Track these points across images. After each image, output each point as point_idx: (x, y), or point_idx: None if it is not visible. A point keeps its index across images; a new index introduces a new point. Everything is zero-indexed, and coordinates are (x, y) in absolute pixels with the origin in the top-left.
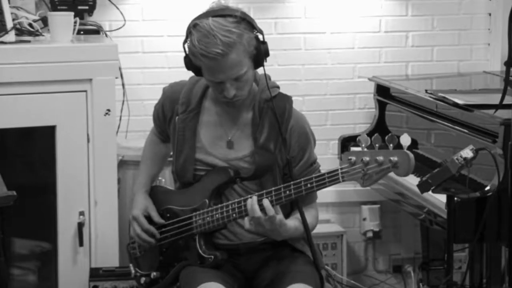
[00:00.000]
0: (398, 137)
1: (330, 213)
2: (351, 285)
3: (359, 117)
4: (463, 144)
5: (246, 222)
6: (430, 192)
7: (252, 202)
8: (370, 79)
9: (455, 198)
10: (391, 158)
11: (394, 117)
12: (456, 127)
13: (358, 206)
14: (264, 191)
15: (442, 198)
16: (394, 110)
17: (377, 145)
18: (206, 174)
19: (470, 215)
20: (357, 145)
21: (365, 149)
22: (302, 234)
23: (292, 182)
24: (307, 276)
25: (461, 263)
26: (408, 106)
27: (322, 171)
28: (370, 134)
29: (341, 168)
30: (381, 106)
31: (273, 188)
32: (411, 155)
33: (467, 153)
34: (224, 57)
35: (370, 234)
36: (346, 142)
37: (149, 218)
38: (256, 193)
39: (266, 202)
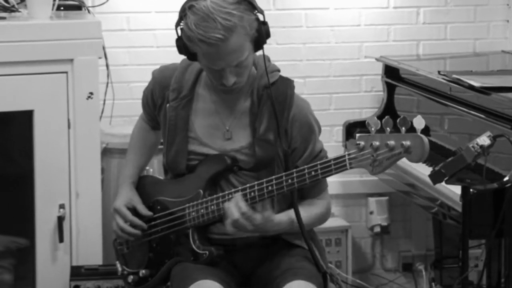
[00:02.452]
0: (411, 120)
1: (334, 206)
2: (357, 285)
3: (366, 100)
4: (479, 131)
5: (227, 225)
6: (443, 183)
7: (230, 204)
8: (377, 59)
9: (471, 190)
10: (403, 142)
11: (403, 101)
12: (471, 112)
13: (365, 198)
14: (264, 179)
15: (456, 189)
16: (404, 93)
17: (387, 128)
18: (201, 162)
19: (487, 208)
20: (364, 132)
21: (375, 133)
22: (294, 228)
23: (294, 170)
24: (309, 273)
25: (477, 260)
26: (419, 89)
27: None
28: (378, 119)
29: (349, 154)
30: (390, 89)
31: (273, 177)
32: (425, 139)
33: (484, 140)
34: (225, 43)
35: (377, 229)
36: (352, 128)
37: (134, 211)
38: (248, 185)
39: (238, 198)
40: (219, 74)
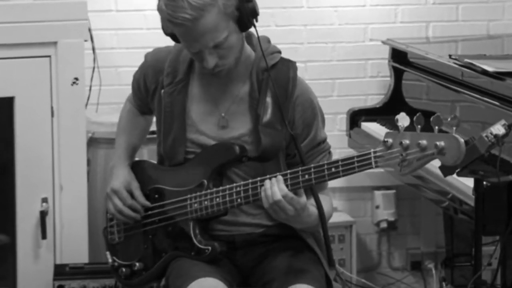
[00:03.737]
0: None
1: (337, 200)
2: (362, 285)
3: (371, 86)
4: (493, 119)
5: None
6: (454, 176)
7: (272, 184)
8: (384, 42)
9: (484, 183)
10: (437, 142)
11: (412, 87)
12: (485, 99)
13: (370, 191)
14: (280, 173)
15: (469, 182)
16: (412, 78)
17: (419, 126)
18: (204, 150)
19: (501, 202)
20: (369, 120)
21: (404, 131)
22: (318, 225)
23: (312, 165)
24: (312, 276)
25: (491, 258)
26: (428, 74)
27: (333, 154)
28: (384, 106)
29: (375, 152)
30: (397, 74)
31: (288, 171)
32: (461, 140)
33: (498, 129)
34: (194, 23)
35: (384, 225)
36: (356, 117)
37: (131, 197)
38: (259, 178)
39: (280, 179)
40: (199, 56)
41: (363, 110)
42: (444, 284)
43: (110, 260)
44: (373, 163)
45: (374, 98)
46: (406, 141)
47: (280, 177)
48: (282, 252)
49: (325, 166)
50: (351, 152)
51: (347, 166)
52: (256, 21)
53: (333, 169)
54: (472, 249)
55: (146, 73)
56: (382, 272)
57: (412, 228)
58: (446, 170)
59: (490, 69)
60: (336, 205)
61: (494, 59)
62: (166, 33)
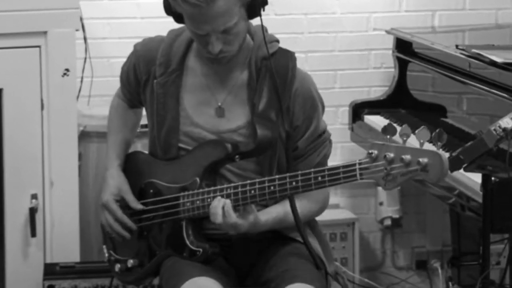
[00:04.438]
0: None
1: (339, 196)
2: (365, 285)
3: (375, 78)
4: (502, 111)
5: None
6: (461, 171)
7: (215, 204)
8: (388, 32)
9: (493, 178)
10: (420, 159)
11: (417, 79)
12: (493, 91)
13: (374, 187)
14: (266, 178)
15: (476, 178)
16: (418, 69)
17: (404, 139)
18: (199, 146)
19: (510, 199)
20: (373, 113)
21: (390, 143)
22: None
23: (300, 172)
24: (310, 275)
25: (499, 257)
26: (434, 65)
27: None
28: (388, 98)
29: (360, 163)
30: (402, 65)
31: (276, 176)
32: (445, 157)
33: (507, 122)
34: (210, 5)
35: (388, 222)
36: (359, 109)
37: (123, 202)
38: (248, 181)
39: (227, 204)
40: (205, 40)
41: (366, 102)
42: (450, 284)
43: (106, 254)
44: (357, 175)
45: (377, 90)
46: (391, 155)
47: (228, 202)
48: (280, 251)
49: (312, 175)
50: (353, 146)
51: (332, 177)
52: (263, 10)
53: (319, 178)
54: (480, 247)
55: (137, 63)
56: (386, 272)
57: (418, 226)
58: (453, 165)
59: (498, 59)
60: (338, 201)
61: (503, 49)
62: (169, 13)
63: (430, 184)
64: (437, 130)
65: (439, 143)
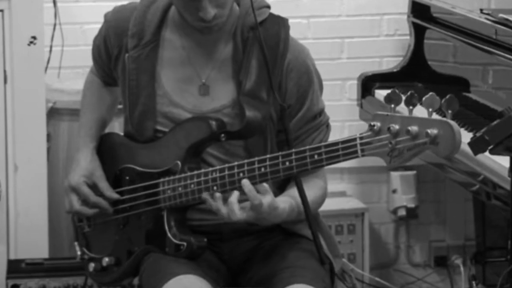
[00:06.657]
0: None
1: (346, 183)
2: (376, 284)
3: (387, 47)
4: None
5: (235, 210)
6: (486, 153)
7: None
8: None
9: None
10: (429, 130)
11: (436, 48)
12: None
13: (386, 172)
14: (256, 158)
15: (503, 161)
16: (436, 37)
17: (410, 107)
18: (179, 125)
19: None
20: (385, 87)
21: (395, 112)
22: (301, 214)
23: (294, 151)
24: (312, 273)
25: None
26: (455, 32)
27: (334, 134)
28: (403, 70)
29: (361, 137)
30: (418, 32)
31: (268, 156)
32: (456, 127)
33: None
34: None
35: (402, 213)
36: (369, 83)
37: (95, 189)
38: (236, 163)
39: (246, 183)
40: (195, 6)
41: (377, 75)
42: (474, 283)
43: (79, 252)
44: (359, 150)
45: (390, 60)
46: (395, 126)
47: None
48: (277, 245)
49: (307, 153)
50: (362, 125)
51: (330, 154)
52: None
53: (315, 156)
54: (508, 241)
55: (107, 35)
56: (400, 269)
57: (436, 217)
58: (477, 146)
59: None
60: (344, 188)
61: None
62: None
63: (450, 167)
64: (447, 96)
65: (449, 112)
